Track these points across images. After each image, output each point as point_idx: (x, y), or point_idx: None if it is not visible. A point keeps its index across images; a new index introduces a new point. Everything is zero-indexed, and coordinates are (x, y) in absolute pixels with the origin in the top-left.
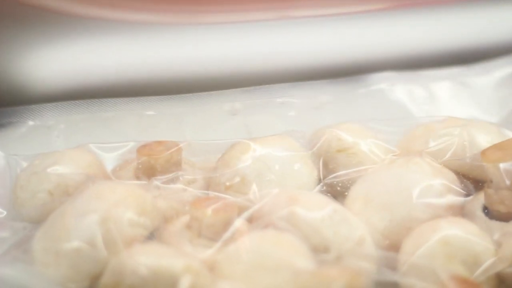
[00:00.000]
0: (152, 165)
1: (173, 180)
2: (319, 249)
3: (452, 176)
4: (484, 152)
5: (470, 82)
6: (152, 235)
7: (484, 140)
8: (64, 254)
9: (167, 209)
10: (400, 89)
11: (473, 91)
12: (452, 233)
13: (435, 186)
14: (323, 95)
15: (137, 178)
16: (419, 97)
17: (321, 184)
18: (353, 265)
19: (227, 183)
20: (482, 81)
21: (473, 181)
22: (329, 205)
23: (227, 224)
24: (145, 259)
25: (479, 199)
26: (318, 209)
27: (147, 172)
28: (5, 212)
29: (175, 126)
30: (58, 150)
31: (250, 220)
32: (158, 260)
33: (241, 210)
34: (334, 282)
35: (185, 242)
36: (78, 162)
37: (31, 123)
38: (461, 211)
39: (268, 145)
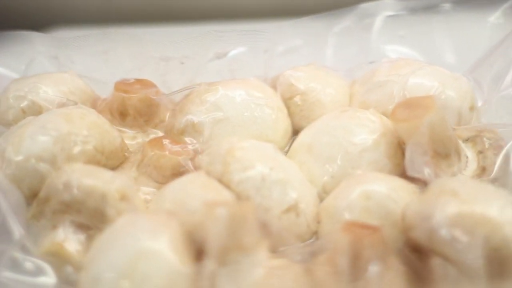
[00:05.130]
0: (126, 102)
1: (146, 122)
2: None
3: None
4: (393, 111)
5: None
6: None
7: (422, 91)
8: (10, 161)
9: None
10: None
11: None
12: (374, 188)
13: (382, 144)
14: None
15: (111, 114)
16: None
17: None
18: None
19: (179, 127)
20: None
21: None
22: (268, 162)
23: (174, 168)
24: (80, 178)
25: None
26: (252, 167)
27: (120, 108)
28: None
29: (160, 69)
30: (48, 72)
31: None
32: (92, 180)
33: (192, 155)
34: (218, 209)
35: (130, 178)
36: (60, 86)
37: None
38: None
39: (229, 89)
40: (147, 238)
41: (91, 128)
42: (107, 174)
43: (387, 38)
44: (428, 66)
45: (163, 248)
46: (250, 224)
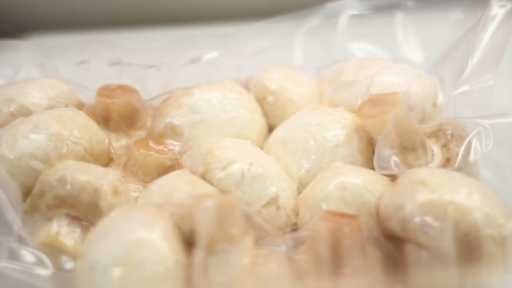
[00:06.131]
0: (109, 107)
1: (129, 126)
2: None
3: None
4: (360, 108)
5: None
6: None
7: (388, 89)
8: (4, 158)
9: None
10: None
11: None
12: (350, 180)
13: (354, 139)
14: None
15: (96, 119)
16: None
17: None
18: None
19: (159, 131)
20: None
21: None
22: (246, 159)
23: (159, 166)
24: (74, 174)
25: None
26: (231, 165)
27: (103, 113)
28: None
29: (138, 75)
30: (35, 78)
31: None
32: (85, 176)
33: (176, 155)
34: (207, 201)
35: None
36: (48, 91)
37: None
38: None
39: (205, 92)
40: (141, 228)
41: (81, 129)
42: (99, 169)
43: (352, 37)
44: (394, 64)
45: (156, 238)
46: (236, 215)
